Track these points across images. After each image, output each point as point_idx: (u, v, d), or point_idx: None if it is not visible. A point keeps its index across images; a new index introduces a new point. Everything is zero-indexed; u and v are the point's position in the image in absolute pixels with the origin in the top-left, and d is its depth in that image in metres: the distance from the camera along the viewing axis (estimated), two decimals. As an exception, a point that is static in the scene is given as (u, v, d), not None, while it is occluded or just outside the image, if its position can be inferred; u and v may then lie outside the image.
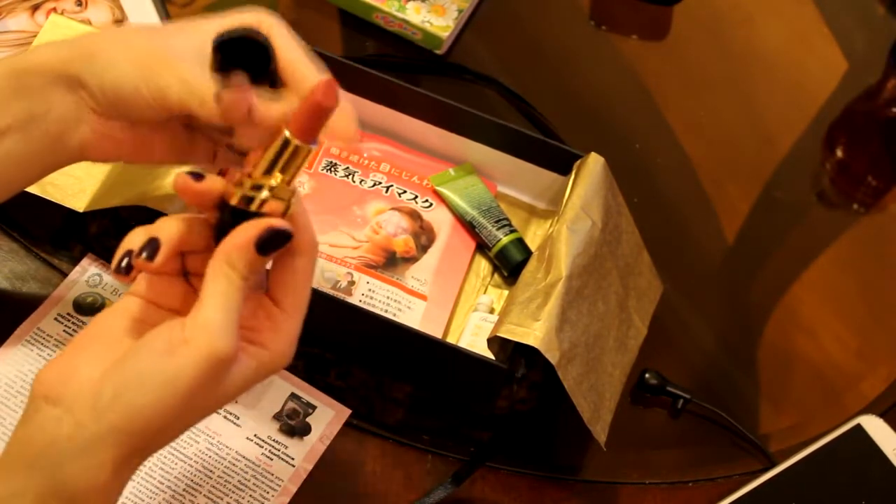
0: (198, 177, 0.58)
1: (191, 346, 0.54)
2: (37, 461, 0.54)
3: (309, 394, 0.77)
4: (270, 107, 0.61)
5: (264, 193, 0.57)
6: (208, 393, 0.56)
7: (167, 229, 0.58)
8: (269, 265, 0.59)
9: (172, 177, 0.74)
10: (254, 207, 0.57)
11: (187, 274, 0.60)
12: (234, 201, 0.57)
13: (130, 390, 0.54)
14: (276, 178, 0.57)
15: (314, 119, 0.57)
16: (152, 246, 0.58)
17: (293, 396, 0.76)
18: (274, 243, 0.57)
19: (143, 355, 0.55)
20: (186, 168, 0.59)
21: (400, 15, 0.96)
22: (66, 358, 0.56)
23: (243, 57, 0.62)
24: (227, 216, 0.58)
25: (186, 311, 0.56)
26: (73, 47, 0.64)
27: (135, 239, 0.58)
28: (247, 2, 0.70)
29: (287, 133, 0.57)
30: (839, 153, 1.01)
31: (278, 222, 0.57)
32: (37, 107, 0.63)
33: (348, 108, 0.62)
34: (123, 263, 0.58)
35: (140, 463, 0.56)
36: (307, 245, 0.59)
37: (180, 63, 0.62)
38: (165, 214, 0.73)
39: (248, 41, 0.63)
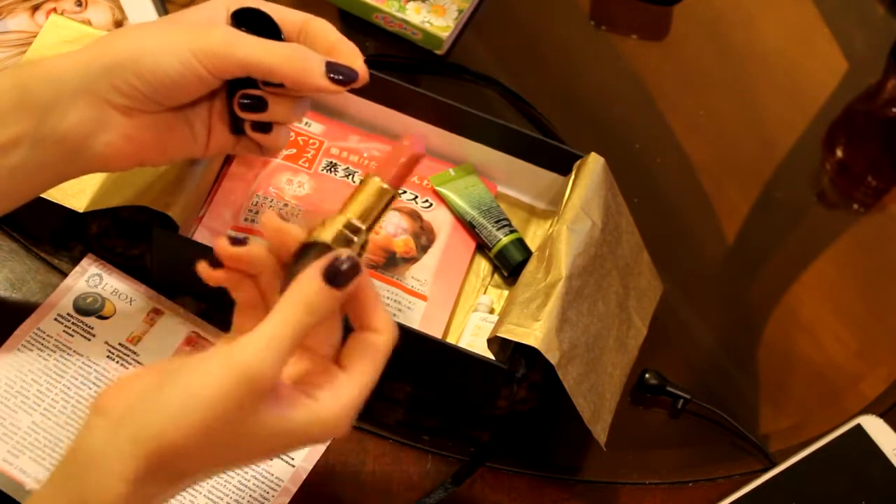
0: (239, 242, 0.58)
1: (223, 360, 0.53)
2: (72, 471, 0.54)
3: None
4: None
5: (361, 237, 0.58)
6: (239, 417, 0.53)
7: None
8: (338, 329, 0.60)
9: (171, 177, 0.75)
10: (355, 250, 0.58)
11: None
12: (327, 238, 0.58)
13: (155, 402, 0.53)
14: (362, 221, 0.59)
15: (406, 169, 0.60)
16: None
17: (293, 396, 0.76)
18: (343, 273, 0.56)
19: (180, 371, 0.54)
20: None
21: (400, 15, 0.96)
22: (130, 376, 0.55)
23: (253, 27, 0.66)
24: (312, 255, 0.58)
25: None
26: (97, 50, 0.64)
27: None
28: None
29: (378, 180, 0.59)
30: (839, 153, 1.01)
31: (345, 252, 0.56)
32: (47, 117, 0.63)
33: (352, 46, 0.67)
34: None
35: (165, 489, 0.54)
36: (385, 325, 0.59)
37: (217, 28, 0.64)
38: (166, 215, 0.74)
39: (259, 15, 0.66)
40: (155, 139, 0.66)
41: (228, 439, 0.54)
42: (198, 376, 0.53)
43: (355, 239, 0.58)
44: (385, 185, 0.59)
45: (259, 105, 0.67)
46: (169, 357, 0.58)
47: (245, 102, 0.67)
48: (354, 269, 0.56)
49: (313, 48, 0.66)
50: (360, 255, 0.59)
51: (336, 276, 0.55)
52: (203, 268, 0.58)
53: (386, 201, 0.59)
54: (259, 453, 0.56)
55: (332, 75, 0.65)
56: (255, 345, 0.53)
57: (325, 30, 0.68)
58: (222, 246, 0.58)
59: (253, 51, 0.63)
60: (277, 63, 0.64)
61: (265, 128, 0.69)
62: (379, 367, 0.59)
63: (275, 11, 0.67)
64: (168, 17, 0.70)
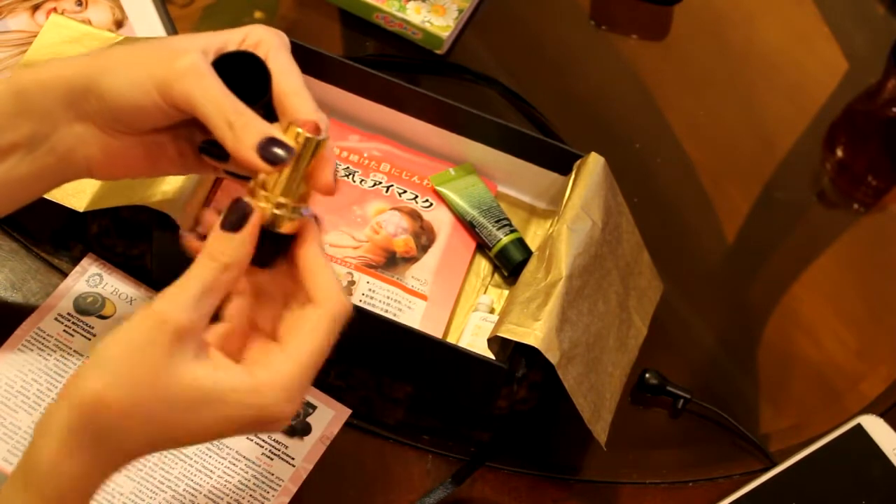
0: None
1: (142, 311, 0.55)
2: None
3: (309, 393, 0.77)
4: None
5: (282, 211, 0.59)
6: (156, 358, 0.54)
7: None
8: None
9: (172, 178, 0.75)
10: (283, 229, 0.59)
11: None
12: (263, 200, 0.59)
13: (85, 362, 0.55)
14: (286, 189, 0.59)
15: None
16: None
17: (293, 396, 0.76)
18: (230, 217, 0.57)
19: (110, 331, 0.56)
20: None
21: (400, 15, 0.96)
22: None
23: (242, 74, 0.62)
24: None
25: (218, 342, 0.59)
26: (79, 65, 0.63)
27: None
28: (248, 2, 0.70)
29: (300, 131, 0.59)
30: (839, 153, 1.01)
31: (240, 199, 0.58)
32: (42, 125, 0.63)
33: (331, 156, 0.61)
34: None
35: (104, 458, 0.55)
36: (324, 296, 0.58)
37: (186, 55, 0.60)
38: (166, 215, 0.74)
39: (248, 57, 0.63)
40: (141, 157, 0.65)
41: (153, 389, 0.55)
42: (119, 330, 0.55)
43: (279, 216, 0.59)
44: (308, 135, 0.59)
45: (219, 154, 0.63)
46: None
47: (203, 146, 0.64)
48: (240, 211, 0.58)
49: (281, 107, 0.62)
50: (301, 203, 0.60)
51: (225, 220, 0.57)
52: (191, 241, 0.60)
53: (313, 147, 0.59)
54: (193, 420, 0.56)
55: (263, 154, 0.59)
56: (168, 292, 0.56)
57: (297, 104, 0.62)
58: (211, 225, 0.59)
59: (203, 93, 0.59)
60: (214, 117, 0.59)
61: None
62: (320, 340, 0.58)
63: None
64: (159, 39, 0.69)
